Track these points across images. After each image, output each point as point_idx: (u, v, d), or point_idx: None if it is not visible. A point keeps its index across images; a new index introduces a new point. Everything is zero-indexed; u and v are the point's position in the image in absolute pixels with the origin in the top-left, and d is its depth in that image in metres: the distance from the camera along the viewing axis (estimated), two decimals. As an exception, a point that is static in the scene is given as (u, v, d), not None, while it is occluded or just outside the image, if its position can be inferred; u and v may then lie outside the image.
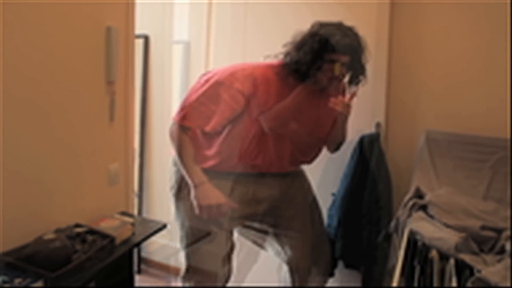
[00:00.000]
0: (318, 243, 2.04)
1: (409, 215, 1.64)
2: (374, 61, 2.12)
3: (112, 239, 1.50)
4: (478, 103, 2.03)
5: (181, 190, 1.85)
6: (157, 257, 2.86)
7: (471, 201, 1.65)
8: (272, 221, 2.00)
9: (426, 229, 1.51)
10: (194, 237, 1.88)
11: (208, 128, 1.71)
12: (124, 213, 1.81)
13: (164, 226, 1.76)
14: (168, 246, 2.78)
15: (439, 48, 2.12)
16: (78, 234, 1.49)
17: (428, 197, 1.67)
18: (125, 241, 1.58)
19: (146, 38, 2.72)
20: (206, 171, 1.76)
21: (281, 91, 1.76)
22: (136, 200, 2.71)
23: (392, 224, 1.74)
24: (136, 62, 2.67)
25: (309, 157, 1.96)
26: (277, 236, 2.02)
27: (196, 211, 1.75)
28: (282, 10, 2.33)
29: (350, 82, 1.81)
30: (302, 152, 1.90)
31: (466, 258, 1.35)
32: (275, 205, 1.95)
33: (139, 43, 2.70)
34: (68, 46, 1.48)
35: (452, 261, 1.35)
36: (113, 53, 1.62)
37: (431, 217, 1.59)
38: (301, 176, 2.06)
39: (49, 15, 1.41)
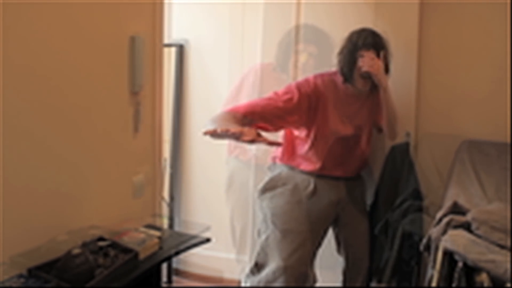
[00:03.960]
0: (361, 257, 2.07)
1: (444, 232, 1.51)
2: (403, 68, 2.06)
3: (135, 254, 1.46)
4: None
5: (264, 192, 2.06)
6: (192, 268, 2.81)
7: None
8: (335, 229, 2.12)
9: (470, 249, 1.37)
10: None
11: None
12: (151, 226, 1.77)
13: (207, 240, 1.65)
14: (205, 256, 2.71)
15: (474, 50, 1.99)
16: (101, 248, 1.46)
17: (472, 214, 1.51)
18: (151, 256, 1.53)
19: (181, 47, 2.71)
20: (311, 173, 2.01)
21: (337, 97, 1.99)
22: (167, 210, 2.67)
23: (424, 241, 1.60)
24: (171, 71, 2.69)
25: (360, 154, 2.05)
26: (338, 242, 2.14)
27: None
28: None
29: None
30: (355, 150, 2.02)
31: (527, 284, 1.22)
32: (340, 208, 2.05)
33: (172, 52, 2.69)
34: (90, 57, 1.48)
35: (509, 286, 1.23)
36: (138, 63, 1.60)
37: (478, 236, 1.44)
38: (361, 182, 2.14)
39: (71, 26, 1.41)
